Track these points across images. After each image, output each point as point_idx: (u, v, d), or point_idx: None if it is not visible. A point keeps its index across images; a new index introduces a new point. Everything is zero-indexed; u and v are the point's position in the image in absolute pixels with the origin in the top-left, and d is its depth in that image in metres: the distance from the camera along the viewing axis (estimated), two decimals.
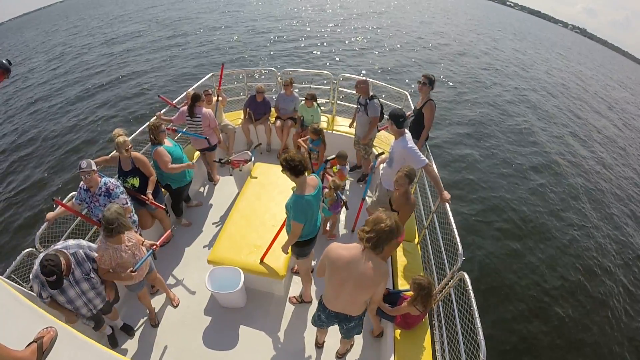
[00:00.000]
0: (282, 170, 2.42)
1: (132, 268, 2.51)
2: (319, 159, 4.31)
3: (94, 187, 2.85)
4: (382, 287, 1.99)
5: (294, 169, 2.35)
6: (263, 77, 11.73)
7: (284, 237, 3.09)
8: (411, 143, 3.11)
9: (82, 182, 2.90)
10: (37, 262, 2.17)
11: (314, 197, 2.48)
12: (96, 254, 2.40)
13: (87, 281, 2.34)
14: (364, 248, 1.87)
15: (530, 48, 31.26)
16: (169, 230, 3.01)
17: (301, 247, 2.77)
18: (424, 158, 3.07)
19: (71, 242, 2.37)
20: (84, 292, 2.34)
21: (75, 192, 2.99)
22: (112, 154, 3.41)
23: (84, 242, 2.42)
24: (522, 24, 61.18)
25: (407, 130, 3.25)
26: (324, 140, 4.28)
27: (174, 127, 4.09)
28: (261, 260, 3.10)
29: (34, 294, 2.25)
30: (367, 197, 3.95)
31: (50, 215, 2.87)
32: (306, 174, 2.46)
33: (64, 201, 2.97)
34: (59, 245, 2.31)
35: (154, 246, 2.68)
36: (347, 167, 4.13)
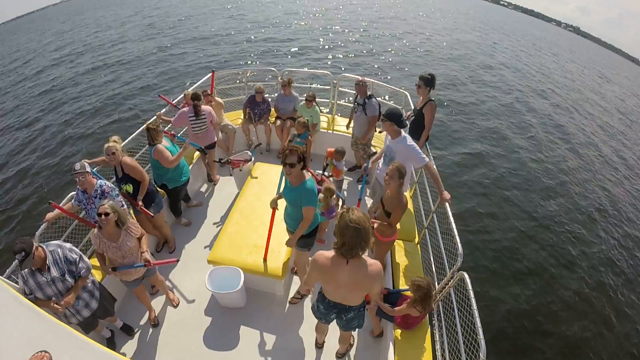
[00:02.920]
0: (290, 166, 2.41)
1: (113, 266, 2.54)
2: (307, 153, 4.36)
3: (89, 189, 2.85)
4: (377, 288, 2.02)
5: (304, 161, 2.48)
6: (266, 77, 11.73)
7: (280, 233, 3.11)
8: (412, 141, 3.11)
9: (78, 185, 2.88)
10: None
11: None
12: (76, 257, 2.41)
13: (62, 282, 2.31)
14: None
15: (528, 46, 31.29)
16: (174, 259, 3.00)
17: (311, 237, 2.85)
18: (425, 156, 3.07)
19: (53, 242, 2.41)
20: (60, 292, 2.31)
21: (74, 193, 2.98)
22: None
23: (66, 245, 2.42)
24: (517, 23, 61.21)
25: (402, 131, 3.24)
26: (310, 134, 4.41)
27: (172, 132, 4.07)
28: (264, 259, 3.11)
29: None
30: (365, 198, 3.96)
31: (49, 216, 2.89)
32: None
33: (62, 202, 2.99)
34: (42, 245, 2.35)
35: (147, 263, 2.63)
36: (343, 163, 4.17)
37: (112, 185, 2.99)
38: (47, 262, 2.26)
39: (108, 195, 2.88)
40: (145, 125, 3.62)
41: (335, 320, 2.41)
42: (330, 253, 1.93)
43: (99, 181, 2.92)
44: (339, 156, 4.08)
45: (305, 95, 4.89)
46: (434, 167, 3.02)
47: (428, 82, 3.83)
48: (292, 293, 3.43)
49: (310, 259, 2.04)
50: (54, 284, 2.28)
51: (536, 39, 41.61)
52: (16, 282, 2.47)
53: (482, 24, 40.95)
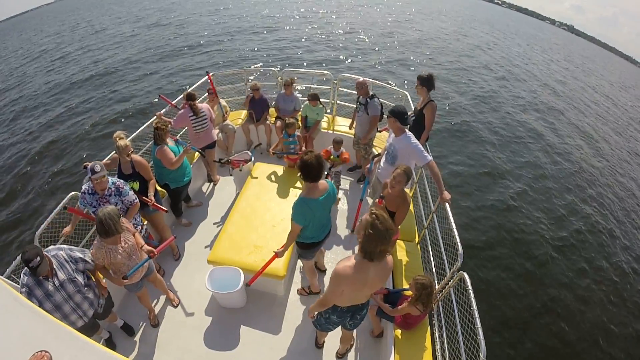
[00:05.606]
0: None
1: (124, 275, 2.50)
2: (300, 150, 4.40)
3: (104, 189, 2.81)
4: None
5: (306, 174, 2.37)
6: (266, 77, 11.68)
7: (280, 233, 3.12)
8: (415, 140, 3.12)
9: (85, 186, 2.85)
10: (22, 274, 2.18)
11: (321, 201, 2.46)
12: (79, 255, 2.40)
13: (72, 282, 2.28)
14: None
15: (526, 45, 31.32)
16: (172, 237, 2.96)
17: (305, 249, 2.80)
18: (427, 155, 3.08)
19: (51, 247, 2.38)
20: (70, 295, 2.27)
21: (75, 193, 2.97)
22: (111, 155, 3.40)
23: (64, 246, 2.42)
24: (513, 22, 61.29)
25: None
26: (303, 133, 4.52)
27: (175, 138, 4.02)
28: (248, 285, 2.96)
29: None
30: (367, 198, 3.96)
31: (66, 230, 2.91)
32: None
33: (62, 202, 2.96)
34: None
35: (152, 253, 2.63)
36: (342, 149, 4.36)
37: (123, 180, 2.99)
38: (54, 267, 2.24)
39: (123, 191, 2.88)
40: (152, 123, 3.62)
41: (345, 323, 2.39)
42: (351, 261, 1.87)
43: (110, 179, 2.89)
44: (338, 146, 4.27)
45: (307, 94, 4.90)
46: (436, 166, 3.02)
47: (423, 81, 3.82)
48: (292, 293, 3.44)
49: (333, 276, 1.93)
50: (62, 288, 2.24)
51: (537, 38, 41.60)
52: (16, 282, 2.48)
53: (481, 25, 40.96)
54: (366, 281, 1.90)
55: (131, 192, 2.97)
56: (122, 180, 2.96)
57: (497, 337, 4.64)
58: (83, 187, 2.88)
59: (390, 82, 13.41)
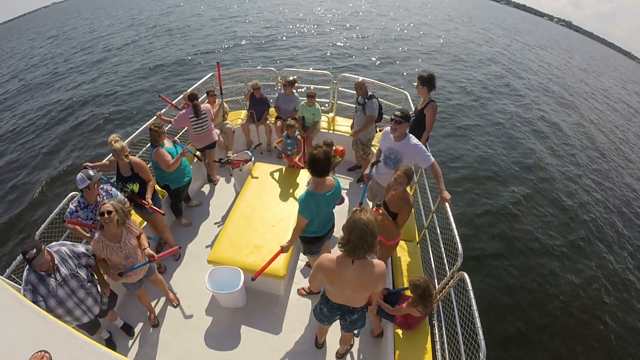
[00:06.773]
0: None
1: (119, 271, 2.50)
2: (299, 151, 4.42)
3: (97, 195, 2.76)
4: (380, 288, 2.03)
5: (313, 169, 2.41)
6: (266, 77, 11.64)
7: (280, 233, 3.14)
8: (416, 140, 3.12)
9: (74, 205, 2.73)
10: (25, 269, 2.20)
11: (326, 197, 2.52)
12: (82, 249, 2.42)
13: (75, 277, 2.29)
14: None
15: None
16: (176, 247, 2.99)
17: (308, 243, 2.82)
18: (430, 155, 3.08)
19: (53, 243, 2.39)
20: (73, 291, 2.28)
21: (74, 193, 2.96)
22: (108, 157, 3.39)
23: (67, 242, 2.44)
24: (513, 20, 61.19)
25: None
26: (301, 133, 4.56)
27: (174, 139, 3.98)
28: (253, 279, 2.85)
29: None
30: (366, 199, 3.95)
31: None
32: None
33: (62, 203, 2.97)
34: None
35: (152, 257, 2.63)
36: (333, 148, 4.37)
37: (113, 182, 3.00)
38: (55, 263, 2.24)
39: (113, 192, 2.88)
40: (148, 125, 3.62)
41: (338, 321, 2.41)
42: (335, 255, 1.95)
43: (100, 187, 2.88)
44: (329, 148, 4.28)
45: (306, 93, 4.85)
46: (438, 166, 3.02)
47: (424, 81, 3.80)
48: (292, 293, 3.44)
49: (315, 265, 2.04)
50: (65, 283, 2.25)
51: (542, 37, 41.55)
52: (16, 282, 2.48)
53: (484, 23, 40.94)
54: (344, 279, 1.92)
55: (120, 194, 2.96)
56: (111, 185, 2.97)
57: (497, 337, 4.59)
58: (71, 206, 2.75)
59: (393, 78, 13.41)
